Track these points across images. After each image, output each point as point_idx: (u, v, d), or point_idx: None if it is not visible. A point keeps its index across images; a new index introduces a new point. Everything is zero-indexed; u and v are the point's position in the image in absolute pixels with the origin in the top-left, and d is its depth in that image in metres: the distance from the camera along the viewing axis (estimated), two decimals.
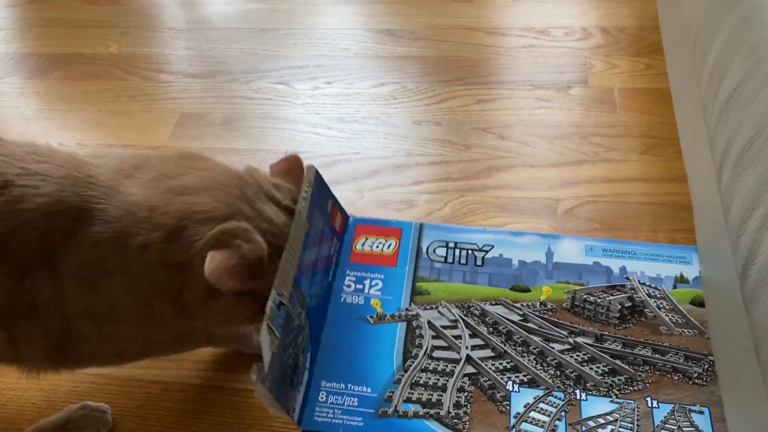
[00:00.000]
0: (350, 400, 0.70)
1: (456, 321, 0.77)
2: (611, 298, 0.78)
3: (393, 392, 0.71)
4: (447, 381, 0.71)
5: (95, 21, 1.49)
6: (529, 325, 0.76)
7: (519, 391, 0.70)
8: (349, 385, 0.71)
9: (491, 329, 0.76)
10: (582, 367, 0.72)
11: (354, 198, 1.05)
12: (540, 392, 0.70)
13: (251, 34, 1.42)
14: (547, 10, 1.37)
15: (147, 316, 0.66)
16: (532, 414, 0.68)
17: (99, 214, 0.61)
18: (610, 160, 1.07)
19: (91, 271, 0.62)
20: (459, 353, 0.74)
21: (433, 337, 0.75)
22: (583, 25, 1.33)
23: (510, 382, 0.71)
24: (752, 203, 0.53)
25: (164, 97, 1.29)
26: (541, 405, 0.69)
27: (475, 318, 0.77)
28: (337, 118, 1.20)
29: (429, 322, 0.77)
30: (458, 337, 0.76)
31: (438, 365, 0.73)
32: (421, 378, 0.72)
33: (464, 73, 1.26)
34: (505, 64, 1.27)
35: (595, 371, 0.72)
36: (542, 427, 0.67)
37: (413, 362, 0.73)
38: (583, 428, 0.67)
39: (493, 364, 0.73)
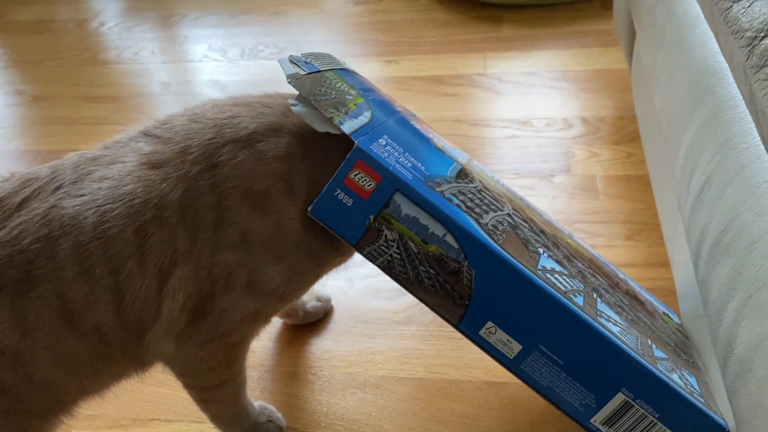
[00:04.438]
0: (405, 158, 0.66)
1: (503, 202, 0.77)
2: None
3: (442, 183, 0.67)
4: (490, 208, 0.70)
5: (94, 118, 1.55)
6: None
7: (548, 258, 0.69)
8: (407, 154, 0.67)
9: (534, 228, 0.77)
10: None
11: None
12: (566, 272, 0.70)
13: None
14: (529, 102, 1.43)
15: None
16: (556, 277, 0.67)
17: None
18: (596, 246, 1.09)
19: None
20: (503, 208, 0.73)
21: (478, 191, 0.74)
22: (564, 116, 1.39)
23: (541, 249, 0.70)
24: (726, 296, 0.54)
25: None
26: (564, 278, 0.69)
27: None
28: None
29: (481, 183, 0.77)
30: (502, 202, 0.76)
31: (485, 197, 0.71)
32: (468, 191, 0.69)
33: None
34: (491, 153, 1.31)
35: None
36: (562, 294, 0.64)
37: (464, 183, 0.71)
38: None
39: (528, 232, 0.73)
